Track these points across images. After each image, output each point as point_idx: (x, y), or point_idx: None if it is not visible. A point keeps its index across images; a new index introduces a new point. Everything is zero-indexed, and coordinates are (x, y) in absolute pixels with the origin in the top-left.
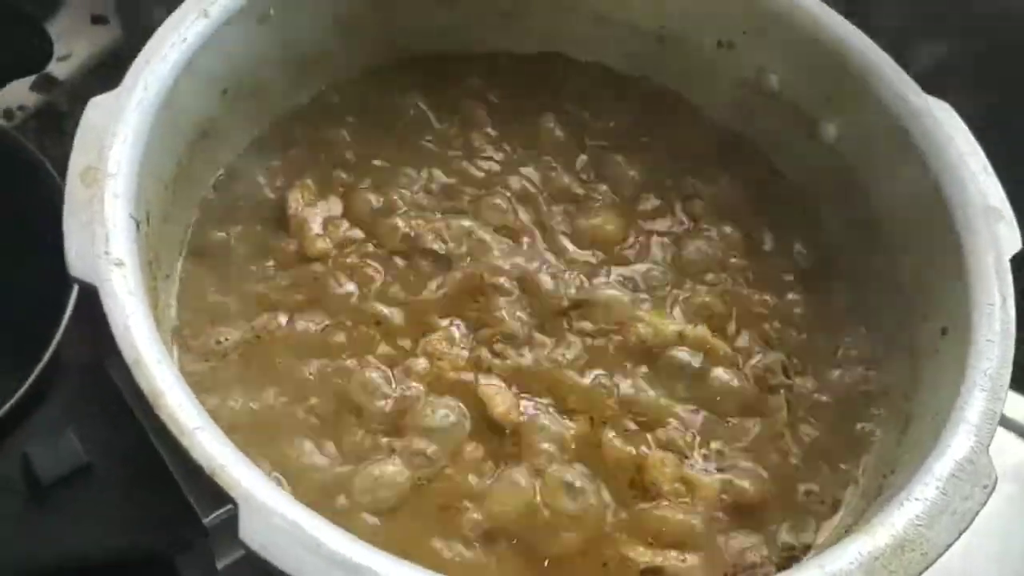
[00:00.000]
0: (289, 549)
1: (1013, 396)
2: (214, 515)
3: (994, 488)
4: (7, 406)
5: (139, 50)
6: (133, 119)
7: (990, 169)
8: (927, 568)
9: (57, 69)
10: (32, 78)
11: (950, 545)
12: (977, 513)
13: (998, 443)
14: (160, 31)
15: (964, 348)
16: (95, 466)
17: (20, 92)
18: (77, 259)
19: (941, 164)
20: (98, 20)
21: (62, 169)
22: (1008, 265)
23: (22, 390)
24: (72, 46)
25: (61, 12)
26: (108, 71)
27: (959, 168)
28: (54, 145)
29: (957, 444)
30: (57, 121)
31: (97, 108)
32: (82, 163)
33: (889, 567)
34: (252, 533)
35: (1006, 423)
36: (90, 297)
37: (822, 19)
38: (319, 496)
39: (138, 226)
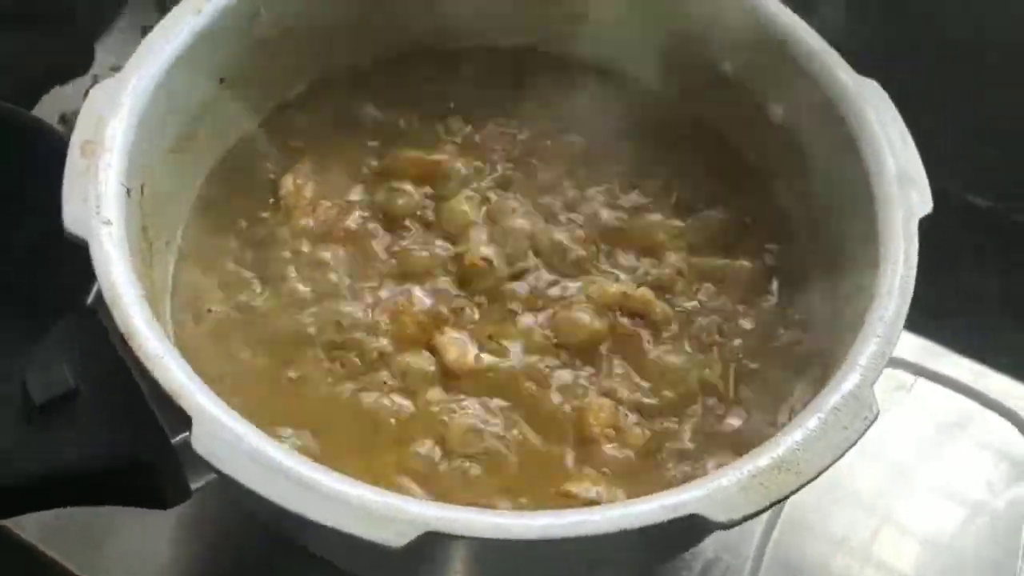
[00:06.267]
0: (234, 457)
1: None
2: (180, 436)
3: (875, 420)
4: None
5: None
6: (128, 102)
7: (909, 139)
8: (800, 486)
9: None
10: (87, 87)
11: (825, 468)
12: (855, 442)
13: (994, 429)
14: (157, 28)
15: (867, 303)
16: (81, 391)
17: (75, 100)
18: (71, 218)
19: (864, 136)
20: (148, 32)
21: None
22: (915, 227)
23: None
24: (123, 57)
25: (115, 26)
26: None
27: (879, 139)
28: None
29: (843, 382)
30: None
31: (99, 92)
32: (82, 137)
33: (765, 484)
34: (202, 442)
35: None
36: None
37: (763, 8)
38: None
39: (128, 193)
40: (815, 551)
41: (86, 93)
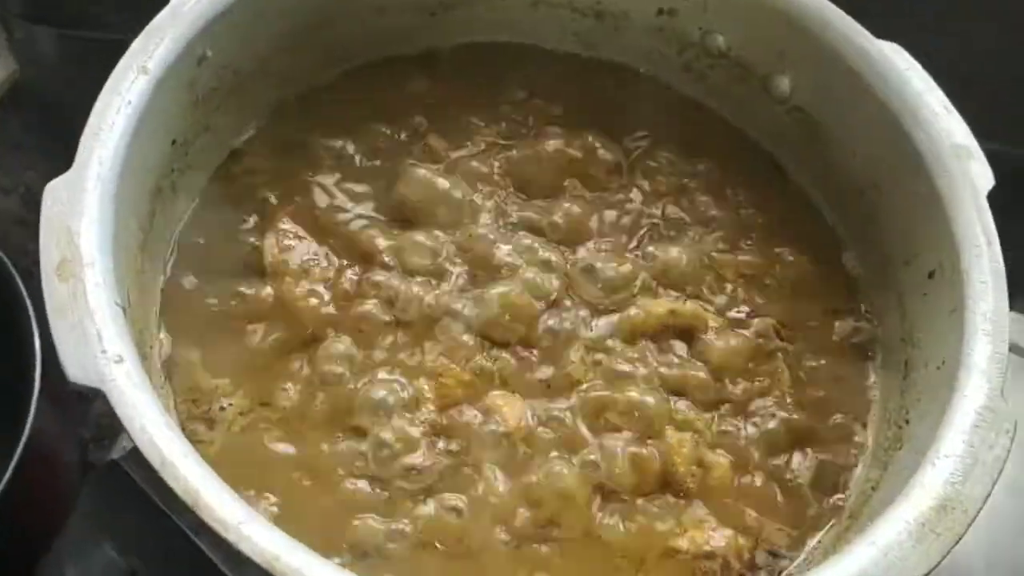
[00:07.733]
0: None
1: None
2: None
3: (1015, 431)
4: None
5: (38, 84)
6: (95, 198)
7: (951, 106)
8: (968, 525)
9: None
10: None
11: (987, 497)
12: (1005, 460)
13: None
14: (102, 96)
15: (957, 291)
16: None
17: None
18: (74, 365)
19: (901, 105)
20: None
21: None
22: (986, 203)
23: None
24: None
25: None
26: (6, 108)
27: (920, 108)
28: None
29: (972, 392)
30: None
31: (55, 194)
32: (54, 257)
33: (936, 530)
34: None
35: None
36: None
37: None
38: None
39: (124, 312)
40: None
41: None
